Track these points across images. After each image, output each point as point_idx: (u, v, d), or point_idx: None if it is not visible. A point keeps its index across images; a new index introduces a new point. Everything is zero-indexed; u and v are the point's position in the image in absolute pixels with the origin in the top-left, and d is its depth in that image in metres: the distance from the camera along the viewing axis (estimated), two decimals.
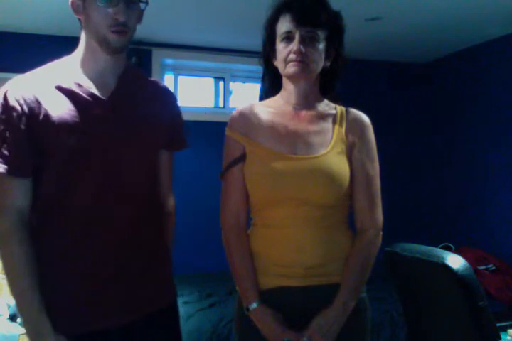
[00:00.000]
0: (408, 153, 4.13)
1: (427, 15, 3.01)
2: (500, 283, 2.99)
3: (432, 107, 4.14)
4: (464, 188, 3.79)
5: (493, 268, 3.07)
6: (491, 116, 3.54)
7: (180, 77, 3.83)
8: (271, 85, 1.37)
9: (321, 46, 1.23)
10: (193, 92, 3.93)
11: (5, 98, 1.09)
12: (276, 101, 1.34)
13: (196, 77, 3.96)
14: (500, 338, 1.50)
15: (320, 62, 1.25)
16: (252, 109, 1.32)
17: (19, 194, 1.10)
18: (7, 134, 1.07)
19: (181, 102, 4.09)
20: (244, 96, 4.01)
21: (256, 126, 1.28)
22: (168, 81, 3.76)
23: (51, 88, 1.13)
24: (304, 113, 1.29)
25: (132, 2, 1.13)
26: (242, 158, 1.27)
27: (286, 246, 1.22)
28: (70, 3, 1.16)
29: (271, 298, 1.23)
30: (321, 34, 1.22)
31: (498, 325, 1.56)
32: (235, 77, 3.96)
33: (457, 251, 3.15)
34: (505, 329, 2.03)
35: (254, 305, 1.22)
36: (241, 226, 1.29)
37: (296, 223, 1.22)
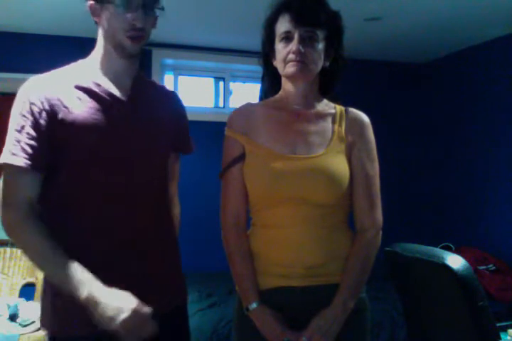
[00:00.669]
0: (408, 153, 4.13)
1: (426, 15, 3.01)
2: (500, 283, 2.99)
3: (431, 107, 4.14)
4: (464, 188, 3.79)
5: (493, 268, 3.07)
6: (490, 116, 3.54)
7: (180, 77, 3.83)
8: (270, 85, 1.37)
9: (320, 46, 1.23)
10: (193, 92, 3.93)
11: (26, 95, 1.11)
12: (275, 100, 1.33)
13: (196, 77, 3.96)
14: (500, 338, 1.50)
15: (319, 62, 1.25)
16: (251, 108, 1.33)
17: (32, 187, 1.11)
18: (28, 129, 1.08)
19: None
20: (244, 96, 4.01)
21: (255, 126, 1.28)
22: (168, 81, 3.76)
23: (71, 87, 1.14)
24: (303, 113, 1.29)
25: (150, 9, 1.16)
26: (242, 157, 1.27)
27: (285, 246, 1.22)
28: (87, 5, 1.17)
29: (271, 298, 1.23)
30: (320, 34, 1.22)
31: (498, 325, 1.55)
32: (235, 77, 3.96)
33: (457, 251, 3.15)
34: (505, 329, 2.03)
35: (254, 305, 1.22)
36: (241, 226, 1.29)
37: (295, 223, 1.22)
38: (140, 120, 1.21)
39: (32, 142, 1.08)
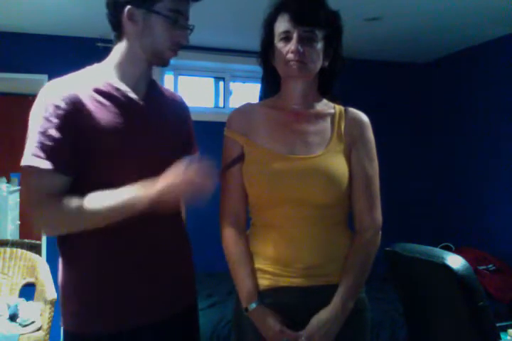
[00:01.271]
0: (408, 153, 4.13)
1: (426, 16, 3.01)
2: (500, 283, 2.99)
3: (431, 107, 4.14)
4: (464, 188, 3.78)
5: (493, 268, 3.07)
6: (490, 116, 3.54)
7: (180, 77, 3.83)
8: (269, 85, 1.37)
9: (319, 46, 1.23)
10: (193, 92, 3.93)
11: (49, 97, 1.10)
12: (274, 101, 1.33)
13: (196, 77, 3.96)
14: (500, 338, 1.50)
15: (318, 62, 1.24)
16: (250, 108, 1.33)
17: (57, 189, 1.10)
18: (52, 132, 1.08)
19: None
20: (244, 96, 4.00)
21: (254, 126, 1.28)
22: (168, 81, 3.76)
23: (90, 91, 1.15)
24: (302, 113, 1.29)
25: (188, 28, 1.22)
26: (241, 158, 1.27)
27: (285, 246, 1.22)
28: (126, 9, 1.16)
29: (270, 298, 1.23)
30: (319, 34, 1.22)
31: (498, 325, 1.55)
32: (235, 77, 3.96)
33: (457, 251, 3.15)
34: (505, 329, 2.03)
35: (253, 306, 1.22)
36: (240, 226, 1.29)
37: (295, 223, 1.22)
38: (156, 123, 1.23)
39: (56, 144, 1.08)
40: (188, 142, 1.38)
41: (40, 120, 1.08)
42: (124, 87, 1.19)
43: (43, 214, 1.10)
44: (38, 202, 1.09)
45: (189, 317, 1.32)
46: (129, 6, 1.15)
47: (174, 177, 1.08)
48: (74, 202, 1.08)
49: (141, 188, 1.09)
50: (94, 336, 1.16)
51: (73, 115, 1.10)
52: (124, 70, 1.20)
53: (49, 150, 1.07)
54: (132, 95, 1.19)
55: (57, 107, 1.09)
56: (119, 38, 1.22)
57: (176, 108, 1.35)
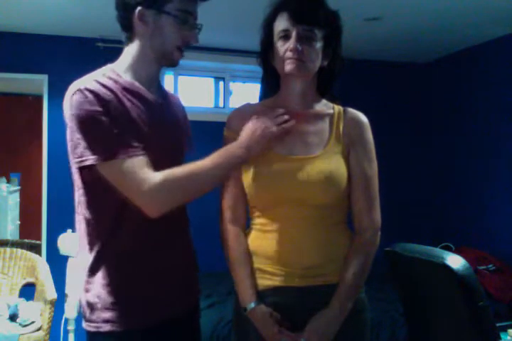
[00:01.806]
0: (408, 153, 4.13)
1: (426, 16, 3.01)
2: (500, 283, 2.99)
3: (431, 107, 4.14)
4: (464, 188, 3.79)
5: (493, 268, 3.07)
6: (490, 116, 3.54)
7: (180, 77, 3.83)
8: (269, 85, 1.36)
9: (318, 45, 1.22)
10: (193, 92, 3.93)
11: (93, 93, 1.09)
12: (274, 101, 1.33)
13: (196, 77, 3.96)
14: (500, 338, 1.50)
15: (317, 61, 1.24)
16: (249, 109, 1.33)
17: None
18: (115, 123, 1.09)
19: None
20: (244, 96, 4.01)
21: None
22: (168, 81, 3.75)
23: (121, 88, 1.15)
24: (301, 113, 1.28)
25: (197, 27, 1.23)
26: None
27: (284, 247, 1.22)
28: (136, 11, 1.16)
29: (269, 298, 1.23)
30: (319, 33, 1.22)
31: (498, 325, 1.55)
32: (235, 77, 3.96)
33: (457, 251, 3.15)
34: (505, 329, 2.03)
35: (252, 305, 1.22)
36: (239, 226, 1.29)
37: (294, 223, 1.22)
38: (168, 122, 1.26)
39: (127, 132, 1.10)
40: (189, 139, 1.41)
41: (96, 117, 1.08)
42: (142, 88, 1.20)
43: (162, 190, 1.10)
44: (151, 183, 1.09)
45: (194, 318, 1.35)
46: (139, 7, 1.16)
47: (250, 129, 1.21)
48: (179, 170, 1.13)
49: (228, 147, 1.20)
50: (127, 333, 1.16)
51: (121, 110, 1.11)
52: (136, 71, 1.21)
53: (127, 139, 1.09)
54: (148, 95, 1.21)
55: (108, 103, 1.09)
56: (130, 39, 1.22)
57: (180, 107, 1.38)
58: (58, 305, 2.58)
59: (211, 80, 4.00)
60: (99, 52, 3.30)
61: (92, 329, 1.17)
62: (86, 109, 1.08)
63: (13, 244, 3.15)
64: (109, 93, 1.10)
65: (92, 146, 1.08)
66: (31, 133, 4.37)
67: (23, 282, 2.87)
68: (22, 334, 2.36)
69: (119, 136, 1.09)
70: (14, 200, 4.48)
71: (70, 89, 1.12)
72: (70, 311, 2.61)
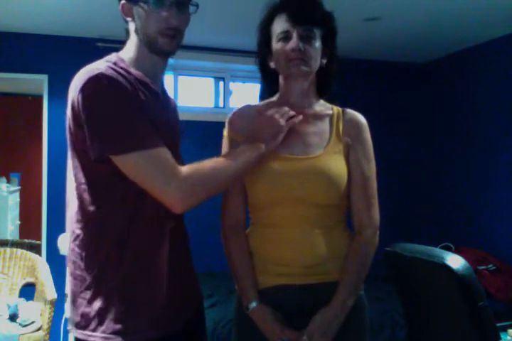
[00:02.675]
0: (408, 153, 4.14)
1: (426, 15, 3.01)
2: (500, 283, 2.99)
3: (431, 107, 4.14)
4: (463, 188, 3.79)
5: (493, 268, 3.07)
6: (490, 115, 3.54)
7: (180, 77, 3.83)
8: (268, 87, 1.38)
9: (318, 44, 1.24)
10: (193, 92, 3.93)
11: (111, 79, 1.04)
12: (273, 102, 1.34)
13: (196, 77, 3.96)
14: (500, 338, 1.50)
15: (318, 60, 1.26)
16: (249, 110, 1.34)
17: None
18: (135, 111, 1.05)
19: (181, 102, 4.04)
20: (244, 96, 4.01)
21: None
22: (168, 81, 3.76)
23: (133, 78, 1.11)
24: (301, 113, 1.29)
25: (184, 6, 1.15)
26: None
27: (284, 246, 1.23)
28: (120, 6, 1.16)
29: (270, 296, 1.24)
30: (317, 32, 1.24)
31: (498, 325, 1.55)
32: (235, 77, 3.96)
33: (457, 251, 3.15)
34: (505, 329, 2.03)
35: (253, 304, 1.23)
36: (240, 226, 1.30)
37: (294, 222, 1.23)
38: (171, 116, 1.26)
39: (147, 123, 1.06)
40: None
41: (117, 104, 1.04)
42: (149, 80, 1.17)
43: (190, 184, 1.07)
44: (175, 174, 1.06)
45: (199, 320, 1.34)
46: (122, 2, 1.15)
47: (263, 124, 1.22)
48: (201, 166, 1.11)
49: (245, 143, 1.20)
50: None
51: (135, 94, 1.07)
52: (139, 64, 1.17)
53: (149, 128, 1.06)
54: (157, 88, 1.19)
55: (125, 91, 1.05)
56: (127, 34, 1.21)
57: (173, 101, 1.36)
58: (58, 305, 2.58)
59: (211, 80, 4.00)
60: (99, 52, 3.27)
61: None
62: (106, 96, 1.03)
63: (13, 244, 3.14)
64: (126, 82, 1.06)
65: (114, 136, 1.02)
66: (31, 133, 4.38)
67: (23, 282, 2.87)
68: (22, 334, 2.36)
69: (142, 125, 1.04)
70: (14, 200, 4.48)
71: (82, 77, 1.05)
72: None
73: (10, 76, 3.31)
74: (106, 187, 1.10)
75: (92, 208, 1.09)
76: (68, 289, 1.18)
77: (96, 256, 1.11)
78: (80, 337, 1.12)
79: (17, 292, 2.84)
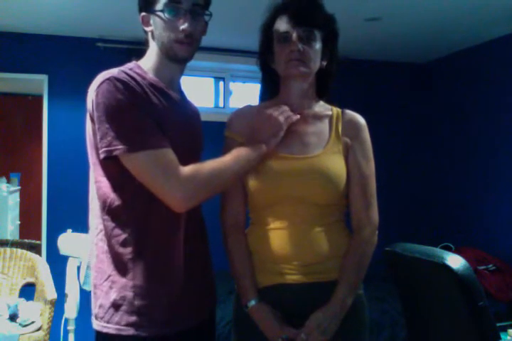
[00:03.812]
0: (408, 153, 4.14)
1: (426, 15, 3.01)
2: (500, 283, 2.99)
3: (431, 107, 4.14)
4: (464, 188, 3.79)
5: (493, 268, 3.07)
6: (490, 116, 3.54)
7: None
8: (269, 87, 1.39)
9: (318, 46, 1.25)
10: (193, 92, 3.93)
11: (123, 82, 1.08)
12: (273, 102, 1.35)
13: (196, 77, 3.96)
14: (500, 338, 1.50)
15: (317, 61, 1.27)
16: (249, 110, 1.35)
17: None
18: (144, 118, 1.09)
19: None
20: (244, 96, 4.01)
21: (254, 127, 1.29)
22: None
23: (147, 84, 1.15)
24: (300, 114, 1.30)
25: (198, 14, 1.21)
26: None
27: (283, 244, 1.24)
28: (140, 18, 1.22)
29: (269, 295, 1.25)
30: (318, 34, 1.25)
31: (498, 325, 1.55)
32: (235, 77, 3.96)
33: (457, 251, 3.15)
34: (505, 329, 2.03)
35: (252, 303, 1.24)
36: (240, 225, 1.31)
37: (293, 222, 1.24)
38: (188, 121, 1.27)
39: (153, 125, 1.09)
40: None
41: (126, 106, 1.07)
42: (166, 86, 1.21)
43: (192, 184, 1.10)
44: (181, 176, 1.09)
45: (211, 321, 1.35)
46: (142, 14, 1.21)
47: (263, 123, 1.24)
48: (203, 166, 1.13)
49: (247, 143, 1.23)
50: (149, 339, 1.14)
51: (146, 99, 1.12)
52: (158, 72, 1.22)
53: (156, 130, 1.09)
54: (173, 94, 1.23)
55: (136, 93, 1.09)
56: (146, 43, 1.26)
57: (195, 108, 1.39)
58: (58, 305, 2.58)
59: (211, 80, 4.00)
60: (99, 52, 3.31)
61: (112, 332, 1.13)
62: (116, 97, 1.07)
63: (13, 244, 3.14)
64: (137, 85, 1.11)
65: (122, 135, 1.06)
66: (31, 133, 4.38)
67: (23, 282, 2.87)
68: (22, 334, 2.36)
69: (150, 126, 1.08)
70: (14, 200, 4.48)
71: (96, 81, 1.11)
72: (70, 311, 2.61)
73: (10, 76, 3.31)
74: (124, 183, 1.14)
75: (113, 203, 1.14)
76: (91, 282, 1.22)
77: (115, 249, 1.15)
78: (96, 328, 1.17)
79: (17, 292, 2.85)
